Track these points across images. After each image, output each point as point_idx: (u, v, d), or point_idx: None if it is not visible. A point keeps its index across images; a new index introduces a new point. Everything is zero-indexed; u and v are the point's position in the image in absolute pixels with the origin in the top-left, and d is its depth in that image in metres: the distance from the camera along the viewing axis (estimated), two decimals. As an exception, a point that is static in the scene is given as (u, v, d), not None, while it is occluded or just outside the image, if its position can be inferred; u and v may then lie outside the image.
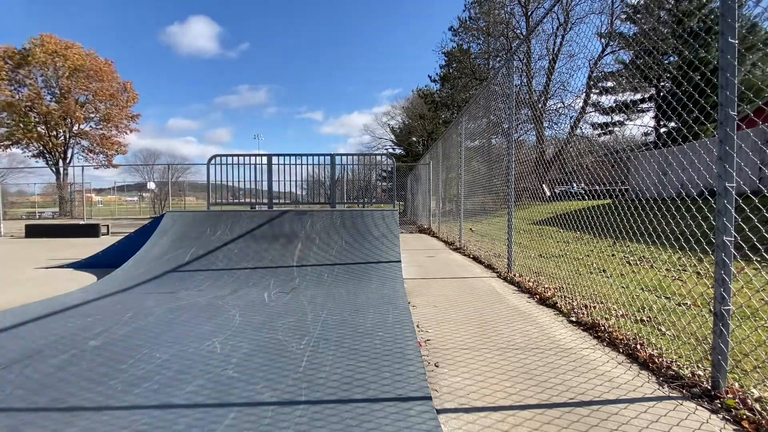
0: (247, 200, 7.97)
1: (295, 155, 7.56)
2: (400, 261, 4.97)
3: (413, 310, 3.36)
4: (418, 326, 2.95)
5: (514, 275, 4.64)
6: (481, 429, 1.62)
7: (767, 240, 1.93)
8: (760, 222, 1.97)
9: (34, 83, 31.34)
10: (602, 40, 20.21)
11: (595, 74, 19.14)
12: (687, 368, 2.06)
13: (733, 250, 1.79)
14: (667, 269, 4.65)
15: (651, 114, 21.55)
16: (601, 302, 3.27)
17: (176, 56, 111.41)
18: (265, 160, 7.54)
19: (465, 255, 6.92)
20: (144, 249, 5.43)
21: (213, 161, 7.28)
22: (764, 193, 2.00)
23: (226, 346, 2.52)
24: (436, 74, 31.47)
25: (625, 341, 2.47)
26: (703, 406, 1.76)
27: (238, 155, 7.51)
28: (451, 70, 29.64)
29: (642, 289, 3.84)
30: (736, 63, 1.78)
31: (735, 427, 1.60)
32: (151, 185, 33.98)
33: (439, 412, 1.74)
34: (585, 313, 3.06)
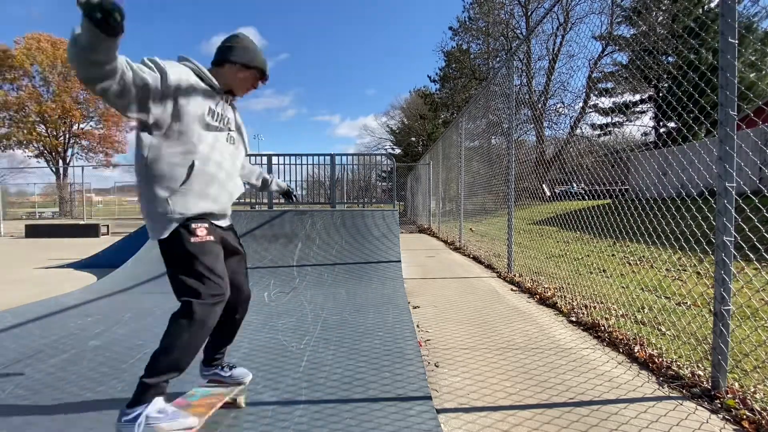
0: (247, 200, 7.97)
1: (295, 155, 7.55)
2: (400, 261, 4.97)
3: (413, 310, 3.36)
4: (418, 326, 2.95)
5: (514, 275, 4.64)
6: (481, 429, 1.62)
7: (767, 240, 1.93)
8: (760, 222, 1.97)
9: (20, 82, 31.21)
10: (602, 41, 20.22)
11: (594, 74, 19.15)
12: (687, 368, 2.06)
13: (733, 250, 1.79)
14: (667, 269, 4.65)
15: (650, 114, 21.55)
16: (601, 302, 3.27)
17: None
18: (265, 160, 7.53)
19: (465, 255, 6.92)
20: (144, 249, 5.42)
21: (213, 161, 7.27)
22: (764, 193, 2.00)
23: (226, 346, 2.52)
24: (436, 74, 31.47)
25: (625, 341, 2.47)
26: (703, 406, 1.76)
27: (238, 155, 7.50)
28: (450, 71, 29.62)
29: (642, 289, 3.84)
30: (736, 63, 1.78)
31: (735, 427, 1.60)
32: (151, 185, 33.89)
33: (439, 411, 1.74)
34: (585, 313, 3.06)
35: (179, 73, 1.43)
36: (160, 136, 1.43)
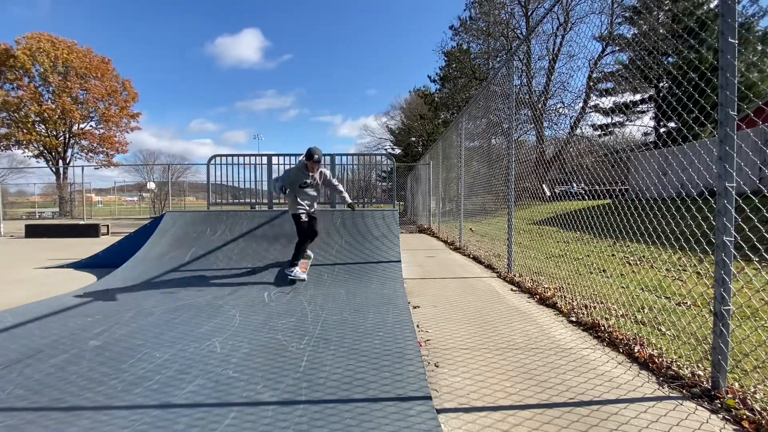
0: (247, 200, 7.97)
1: (295, 155, 7.55)
2: (400, 261, 4.97)
3: (413, 310, 3.36)
4: (418, 326, 2.95)
5: (514, 275, 4.63)
6: (481, 429, 1.62)
7: (767, 240, 1.93)
8: (760, 222, 1.97)
9: (21, 82, 31.10)
10: (602, 41, 20.21)
11: (594, 74, 19.14)
12: (687, 368, 2.06)
13: (733, 250, 1.79)
14: (667, 269, 4.65)
15: (650, 114, 21.53)
16: (601, 302, 3.26)
17: (219, 63, 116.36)
18: (265, 160, 7.53)
19: (465, 255, 6.92)
20: (144, 249, 5.42)
21: (213, 161, 7.28)
22: (764, 193, 2.00)
23: (226, 346, 2.52)
24: (436, 74, 31.42)
25: (625, 341, 2.47)
26: (703, 406, 1.76)
27: (238, 155, 7.51)
28: (450, 71, 29.59)
29: (642, 289, 3.84)
30: (736, 63, 1.78)
31: (735, 427, 1.60)
32: (151, 185, 33.89)
33: (439, 411, 1.74)
34: (585, 313, 3.06)
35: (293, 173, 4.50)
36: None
